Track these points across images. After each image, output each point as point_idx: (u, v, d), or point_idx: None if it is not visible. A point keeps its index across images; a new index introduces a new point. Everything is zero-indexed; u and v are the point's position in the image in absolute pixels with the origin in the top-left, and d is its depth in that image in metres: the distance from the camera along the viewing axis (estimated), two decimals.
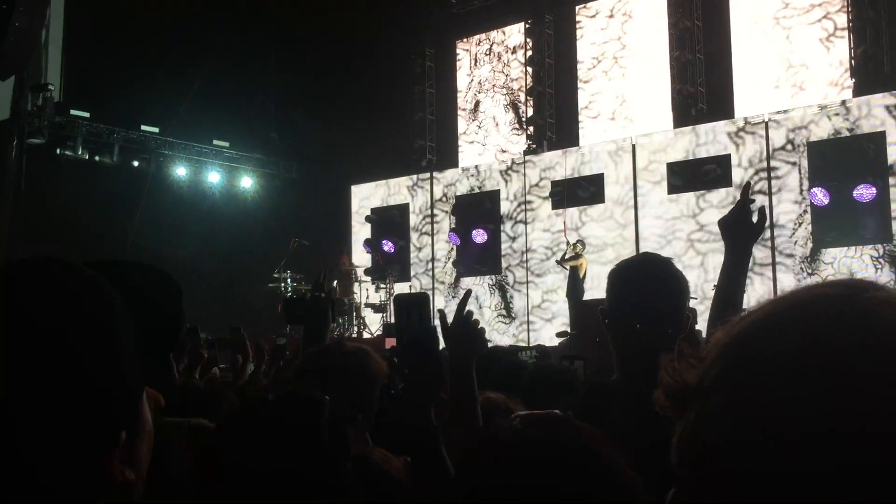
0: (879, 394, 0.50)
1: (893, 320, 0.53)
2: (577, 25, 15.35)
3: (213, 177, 16.41)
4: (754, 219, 2.24)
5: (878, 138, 11.65)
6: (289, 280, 14.19)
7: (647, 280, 2.14)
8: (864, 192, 11.33)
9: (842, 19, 12.57)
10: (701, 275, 12.71)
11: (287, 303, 3.96)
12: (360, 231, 17.20)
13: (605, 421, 1.98)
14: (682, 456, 0.59)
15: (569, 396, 2.74)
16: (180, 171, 15.93)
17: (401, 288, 15.25)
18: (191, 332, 4.65)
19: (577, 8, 15.38)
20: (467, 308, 2.04)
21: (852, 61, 12.41)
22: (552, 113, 15.60)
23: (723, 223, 2.27)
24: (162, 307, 1.37)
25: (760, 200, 12.29)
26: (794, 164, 12.35)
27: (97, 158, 15.01)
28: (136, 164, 15.51)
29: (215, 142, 16.31)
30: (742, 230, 2.22)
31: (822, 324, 0.54)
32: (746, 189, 2.29)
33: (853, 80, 12.37)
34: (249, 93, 15.15)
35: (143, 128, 15.51)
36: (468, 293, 2.21)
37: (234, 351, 4.73)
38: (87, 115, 14.70)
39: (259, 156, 16.99)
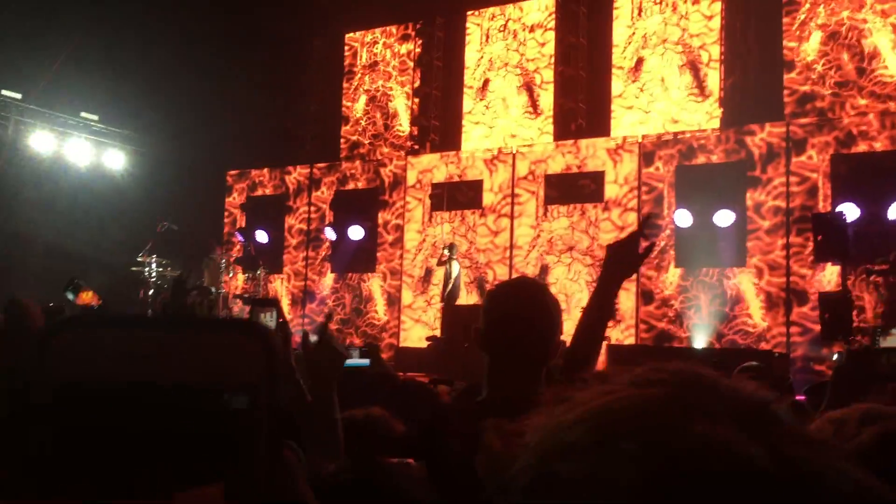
0: None
1: (713, 445, 0.49)
2: (467, 32, 15.48)
3: (79, 150, 15.53)
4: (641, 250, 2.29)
5: (741, 166, 12.36)
6: (154, 265, 13.63)
7: (521, 305, 2.17)
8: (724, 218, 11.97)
9: (715, 51, 13.22)
10: (573, 287, 13.13)
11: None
12: (235, 218, 16.74)
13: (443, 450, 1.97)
14: None
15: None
16: (43, 142, 14.99)
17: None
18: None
19: (467, 14, 15.51)
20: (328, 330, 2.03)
21: (722, 92, 13.08)
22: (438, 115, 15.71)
23: (610, 247, 2.31)
24: None
25: (633, 216, 12.83)
26: (667, 184, 12.90)
27: None
28: None
29: (83, 114, 15.44)
30: (625, 259, 2.26)
31: (634, 454, 0.49)
32: (646, 220, 2.34)
33: (721, 109, 13.04)
34: (124, 64, 14.40)
35: (4, 92, 14.49)
36: (329, 316, 2.21)
37: None
38: None
39: (130, 132, 16.21)
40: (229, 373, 0.47)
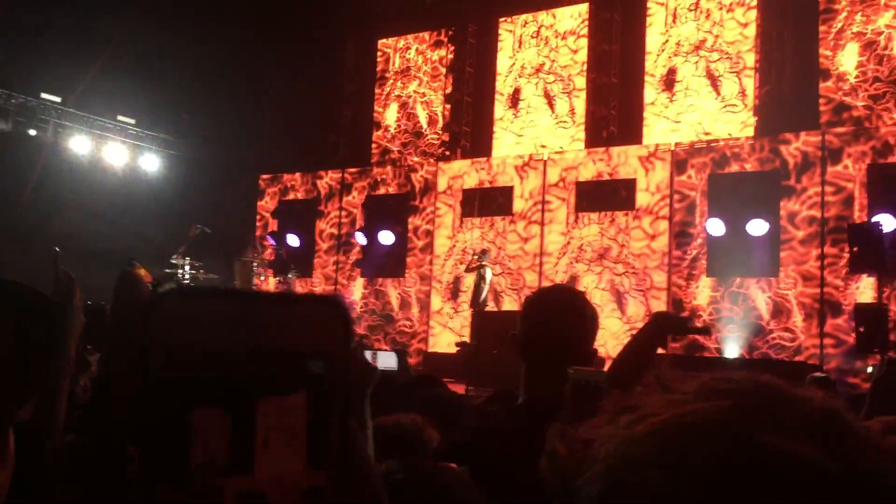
0: None
1: (780, 463, 0.48)
2: (499, 38, 15.51)
3: (116, 153, 15.79)
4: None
5: (775, 175, 12.23)
6: (187, 267, 13.80)
7: (559, 312, 2.20)
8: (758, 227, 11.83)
9: (750, 59, 13.11)
10: (603, 295, 13.08)
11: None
12: (267, 222, 16.90)
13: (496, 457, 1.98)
14: None
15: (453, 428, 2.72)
16: (80, 145, 15.25)
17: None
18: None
19: (500, 20, 15.53)
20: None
21: (756, 100, 12.96)
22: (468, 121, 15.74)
23: (661, 316, 2.42)
24: (29, 334, 1.25)
25: (664, 224, 12.70)
26: (699, 193, 12.78)
27: None
28: (32, 132, 14.77)
29: (120, 117, 15.70)
30: (671, 330, 2.38)
31: (705, 469, 0.49)
32: (706, 332, 2.40)
33: (756, 118, 12.92)
34: (160, 68, 14.62)
35: (43, 95, 14.78)
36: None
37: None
38: None
39: (165, 136, 16.45)
40: (308, 341, 0.50)
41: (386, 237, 14.98)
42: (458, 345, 12.57)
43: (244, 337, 0.50)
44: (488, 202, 14.62)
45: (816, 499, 0.47)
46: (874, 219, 9.95)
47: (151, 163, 16.36)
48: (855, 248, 8.62)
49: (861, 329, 8.30)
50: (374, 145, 16.57)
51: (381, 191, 15.89)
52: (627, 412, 0.57)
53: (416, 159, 15.97)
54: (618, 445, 0.54)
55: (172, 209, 15.27)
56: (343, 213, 16.17)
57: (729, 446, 0.50)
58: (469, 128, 15.76)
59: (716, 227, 12.11)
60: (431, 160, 15.65)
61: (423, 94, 16.21)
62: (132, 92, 14.95)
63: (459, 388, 9.07)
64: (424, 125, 16.14)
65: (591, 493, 0.54)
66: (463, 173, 15.04)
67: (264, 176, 17.13)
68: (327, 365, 0.50)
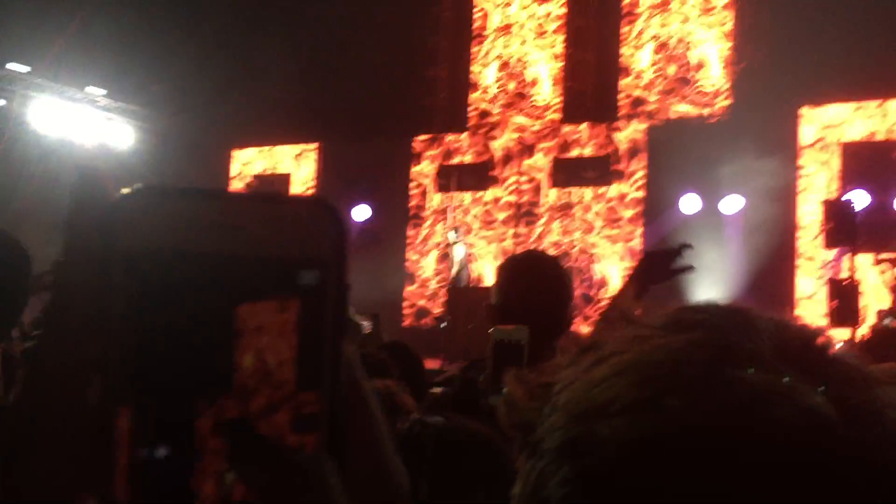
0: None
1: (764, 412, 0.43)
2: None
3: (85, 125, 15.47)
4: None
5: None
6: None
7: (533, 278, 2.20)
8: None
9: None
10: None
11: None
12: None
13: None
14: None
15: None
16: (49, 117, 14.91)
17: None
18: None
19: None
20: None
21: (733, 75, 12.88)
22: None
23: (649, 254, 2.46)
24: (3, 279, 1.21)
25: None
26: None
27: None
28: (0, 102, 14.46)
29: (89, 88, 15.35)
30: (659, 269, 2.33)
31: (675, 414, 0.44)
32: (685, 247, 2.35)
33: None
34: (133, 36, 14.25)
35: (10, 65, 14.40)
36: None
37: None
38: None
39: (136, 107, 16.13)
40: (298, 248, 0.44)
41: (361, 212, 14.79)
42: (436, 320, 12.62)
43: (224, 241, 0.43)
44: (465, 177, 14.52)
45: (806, 444, 0.43)
46: (846, 196, 10.01)
47: (122, 135, 16.08)
48: (830, 224, 8.73)
49: (835, 303, 8.42)
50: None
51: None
52: (590, 351, 0.51)
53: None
54: (578, 390, 0.48)
55: (144, 181, 14.97)
56: (319, 188, 15.95)
57: (701, 386, 0.45)
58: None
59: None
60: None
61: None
62: (103, 62, 14.61)
63: (434, 363, 9.10)
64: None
65: (552, 445, 0.48)
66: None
67: (236, 150, 16.81)
68: (320, 275, 0.43)
